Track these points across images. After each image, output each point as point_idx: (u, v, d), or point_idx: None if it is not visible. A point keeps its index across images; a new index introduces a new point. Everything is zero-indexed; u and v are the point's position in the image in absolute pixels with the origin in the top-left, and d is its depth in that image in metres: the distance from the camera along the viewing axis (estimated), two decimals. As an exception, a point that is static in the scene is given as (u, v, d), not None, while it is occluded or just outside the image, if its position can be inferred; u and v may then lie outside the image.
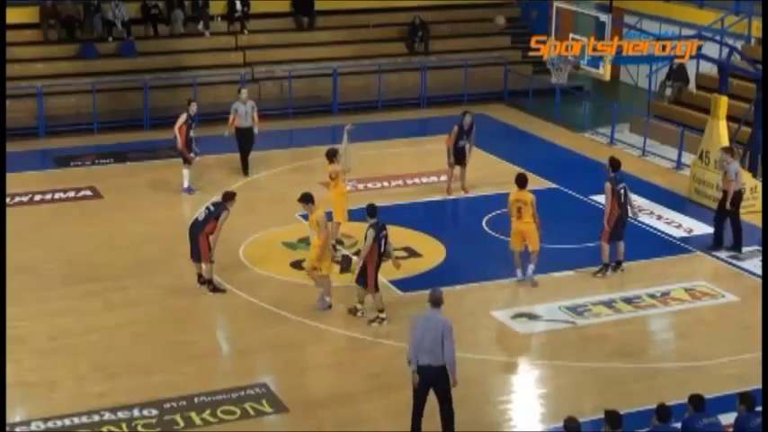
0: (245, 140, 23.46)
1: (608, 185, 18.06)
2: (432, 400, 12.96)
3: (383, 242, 16.24)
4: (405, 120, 28.62)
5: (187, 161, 21.99)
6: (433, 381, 12.82)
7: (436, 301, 12.90)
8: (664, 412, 11.28)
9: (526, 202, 17.58)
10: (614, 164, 18.29)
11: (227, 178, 23.01)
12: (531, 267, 17.85)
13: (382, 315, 16.40)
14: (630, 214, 18.47)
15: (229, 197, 17.36)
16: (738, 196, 19.53)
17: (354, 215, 18.83)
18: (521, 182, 17.78)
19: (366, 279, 16.28)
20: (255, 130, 23.36)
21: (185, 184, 22.09)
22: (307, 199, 16.73)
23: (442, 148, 22.65)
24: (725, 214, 19.59)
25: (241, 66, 29.46)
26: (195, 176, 22.33)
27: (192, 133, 21.86)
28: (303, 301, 17.04)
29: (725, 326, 16.84)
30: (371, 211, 16.31)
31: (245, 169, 23.54)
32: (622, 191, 18.11)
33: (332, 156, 18.83)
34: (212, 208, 17.41)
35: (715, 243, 19.69)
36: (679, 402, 12.11)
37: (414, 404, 13.02)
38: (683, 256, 19.54)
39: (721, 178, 19.94)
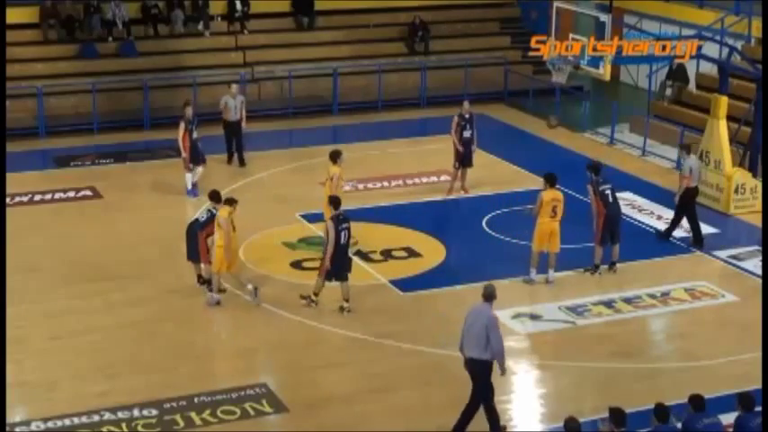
0: (233, 134, 23.93)
1: (589, 188, 18.11)
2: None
3: (345, 234, 16.37)
4: (405, 120, 28.59)
5: (187, 167, 21.94)
6: (475, 374, 13.02)
7: (488, 296, 13.15)
8: (662, 412, 11.27)
9: (561, 200, 17.64)
10: (593, 168, 18.30)
11: (228, 178, 23.01)
12: (551, 272, 17.87)
13: (314, 298, 16.67)
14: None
15: (231, 202, 17.33)
16: (690, 193, 19.56)
17: (351, 216, 18.75)
18: (553, 181, 17.75)
19: (325, 270, 16.46)
20: (243, 126, 23.82)
21: (188, 186, 22.02)
22: (212, 197, 17.10)
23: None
24: (690, 210, 19.67)
25: (241, 66, 29.45)
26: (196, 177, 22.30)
27: (195, 134, 21.84)
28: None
29: (725, 326, 16.84)
30: (335, 203, 16.54)
31: (240, 161, 23.94)
32: (608, 191, 18.11)
33: (335, 157, 18.79)
34: (214, 211, 17.39)
35: (695, 239, 19.74)
36: (679, 402, 12.12)
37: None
38: (683, 256, 19.52)
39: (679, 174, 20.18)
